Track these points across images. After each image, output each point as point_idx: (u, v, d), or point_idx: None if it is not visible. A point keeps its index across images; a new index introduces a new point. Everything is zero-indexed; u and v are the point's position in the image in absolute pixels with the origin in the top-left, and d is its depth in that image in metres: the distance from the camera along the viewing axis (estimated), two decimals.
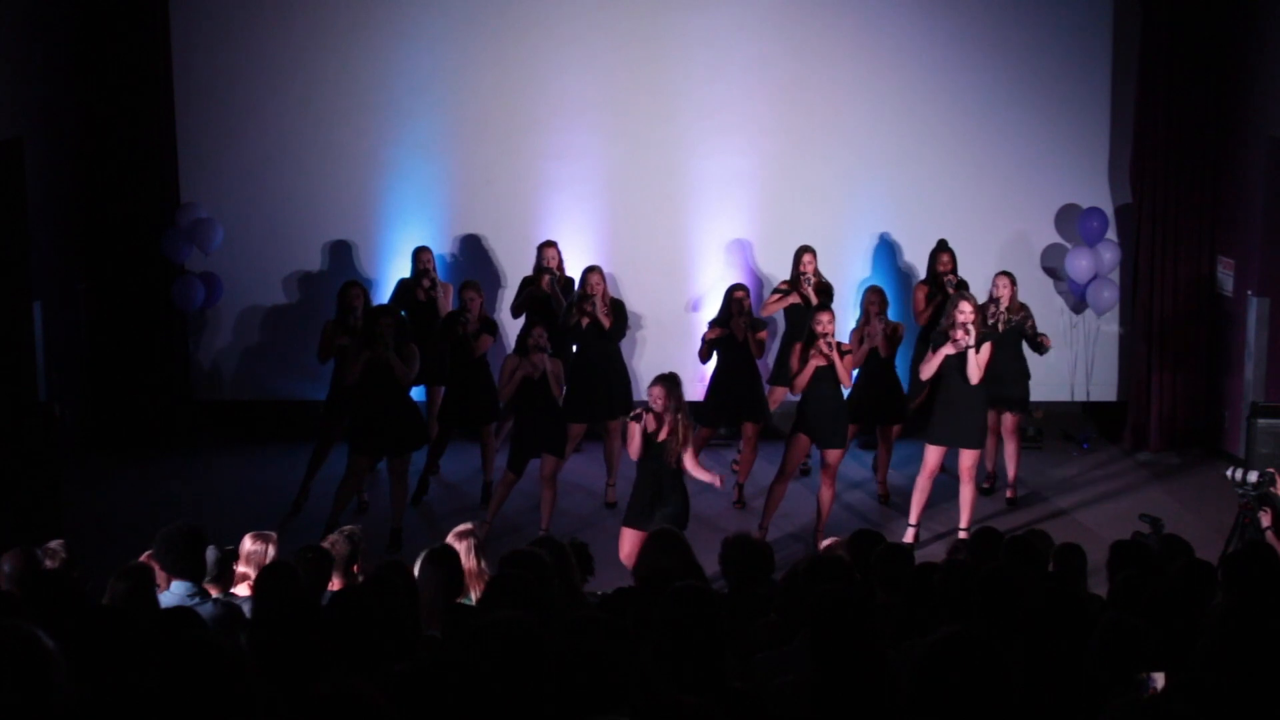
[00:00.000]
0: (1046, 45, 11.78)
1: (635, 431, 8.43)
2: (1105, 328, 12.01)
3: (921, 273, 11.27)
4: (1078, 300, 11.84)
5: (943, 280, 10.68)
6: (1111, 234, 11.70)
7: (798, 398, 9.65)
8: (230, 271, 11.79)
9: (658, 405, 8.42)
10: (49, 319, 11.01)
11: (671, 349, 11.50)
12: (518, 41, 11.73)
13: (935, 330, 9.76)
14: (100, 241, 11.68)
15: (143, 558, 6.30)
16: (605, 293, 10.38)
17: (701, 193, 11.88)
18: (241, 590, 6.45)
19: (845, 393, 9.69)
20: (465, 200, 11.92)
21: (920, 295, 10.91)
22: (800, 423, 9.54)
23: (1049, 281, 11.98)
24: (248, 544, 6.68)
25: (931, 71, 11.77)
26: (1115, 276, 11.75)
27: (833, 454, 9.48)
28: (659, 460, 8.46)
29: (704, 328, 10.56)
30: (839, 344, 9.47)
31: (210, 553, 6.37)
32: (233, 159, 11.85)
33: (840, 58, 11.77)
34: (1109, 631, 4.39)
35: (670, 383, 8.46)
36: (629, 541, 8.35)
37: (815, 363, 9.37)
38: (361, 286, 10.56)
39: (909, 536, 9.55)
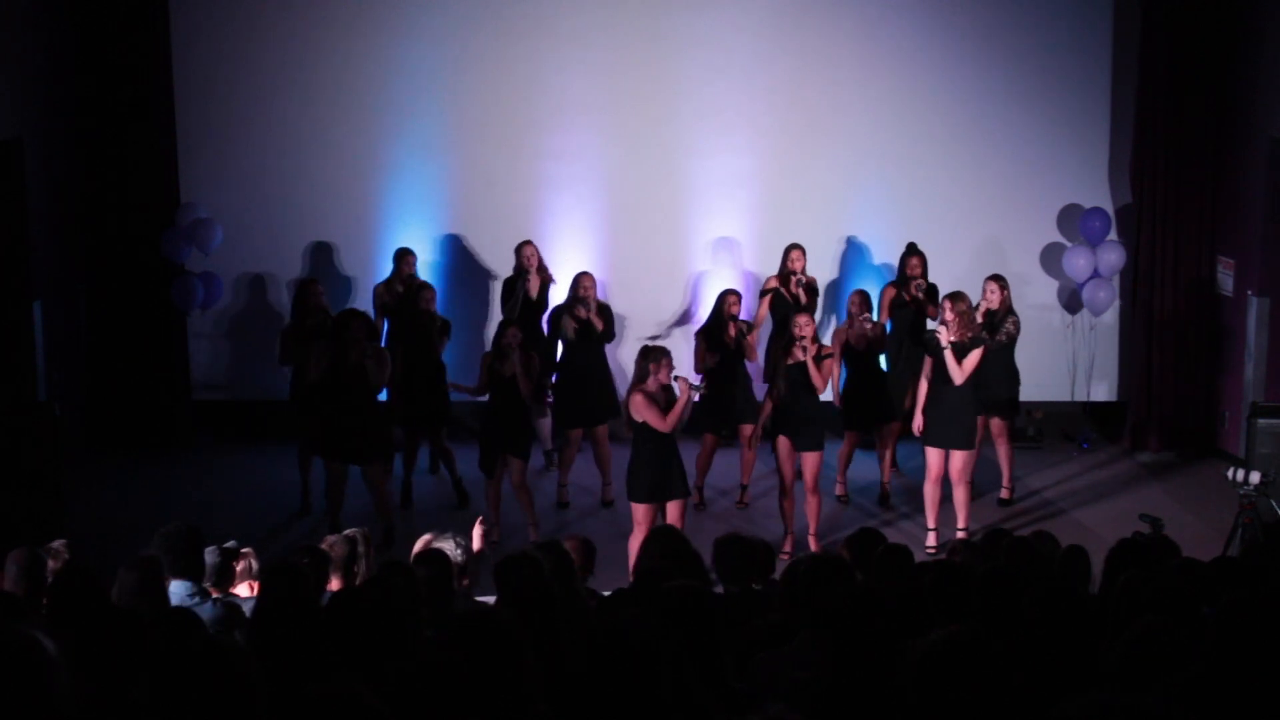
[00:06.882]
0: (1046, 45, 11.77)
1: (685, 399, 8.55)
2: (1104, 327, 12.01)
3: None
4: (1076, 300, 11.83)
5: (911, 284, 10.65)
6: (1113, 234, 11.70)
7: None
8: (230, 271, 11.80)
9: (669, 374, 8.63)
10: (49, 319, 11.01)
11: (669, 349, 11.46)
12: (518, 41, 11.73)
13: (925, 334, 9.72)
14: (100, 241, 11.67)
15: None
16: (594, 297, 10.41)
17: (700, 193, 11.87)
18: (242, 590, 6.45)
19: (824, 397, 9.58)
20: (465, 200, 11.92)
21: (886, 297, 10.89)
22: (778, 427, 9.47)
23: (1050, 282, 11.98)
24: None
25: (931, 72, 11.77)
26: (1114, 276, 11.74)
27: (809, 458, 9.39)
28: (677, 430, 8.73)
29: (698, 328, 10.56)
30: (821, 347, 9.42)
31: (210, 553, 6.37)
32: (233, 159, 11.86)
33: (839, 59, 11.77)
34: (1141, 637, 4.26)
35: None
36: (676, 513, 8.58)
37: (788, 361, 9.33)
38: (319, 285, 10.59)
39: (930, 540, 9.52)
